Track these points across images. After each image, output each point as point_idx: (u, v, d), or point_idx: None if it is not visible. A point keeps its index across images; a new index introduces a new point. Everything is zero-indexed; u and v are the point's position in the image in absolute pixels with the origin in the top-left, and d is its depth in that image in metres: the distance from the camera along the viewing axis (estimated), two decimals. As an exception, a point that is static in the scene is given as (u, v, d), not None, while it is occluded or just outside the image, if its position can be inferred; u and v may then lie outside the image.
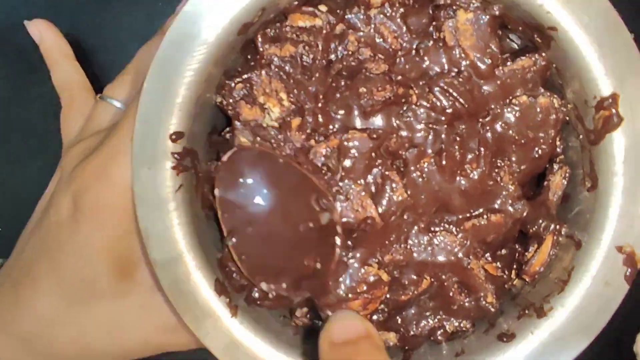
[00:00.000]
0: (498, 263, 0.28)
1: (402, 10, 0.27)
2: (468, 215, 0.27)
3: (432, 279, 0.27)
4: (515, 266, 0.29)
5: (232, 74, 0.27)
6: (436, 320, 0.28)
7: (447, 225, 0.27)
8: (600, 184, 0.26)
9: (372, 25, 0.27)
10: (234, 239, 0.26)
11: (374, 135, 0.26)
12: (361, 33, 0.27)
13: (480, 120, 0.27)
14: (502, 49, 0.27)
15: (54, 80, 0.32)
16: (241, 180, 0.26)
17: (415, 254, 0.27)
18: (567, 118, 0.27)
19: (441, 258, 0.27)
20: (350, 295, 0.26)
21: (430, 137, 0.27)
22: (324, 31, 0.27)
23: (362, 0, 0.27)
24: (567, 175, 0.28)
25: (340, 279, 0.26)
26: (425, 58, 0.27)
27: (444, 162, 0.27)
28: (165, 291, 0.26)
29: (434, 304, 0.28)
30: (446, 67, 0.27)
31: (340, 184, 0.26)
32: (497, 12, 0.26)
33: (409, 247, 0.27)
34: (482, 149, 0.27)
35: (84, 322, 0.28)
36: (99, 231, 0.27)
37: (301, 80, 0.27)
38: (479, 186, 0.27)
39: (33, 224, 0.30)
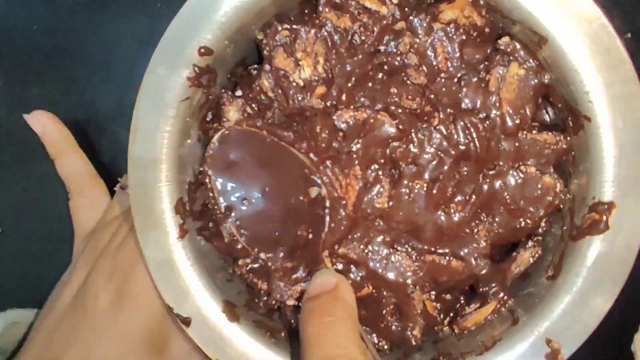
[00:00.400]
0: (438, 304, 0.29)
1: (463, 37, 0.27)
2: (433, 249, 0.28)
3: (374, 290, 0.28)
4: (451, 314, 0.29)
5: (283, 19, 0.27)
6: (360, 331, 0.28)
7: (409, 249, 0.28)
8: (561, 278, 0.26)
9: (431, 38, 0.27)
10: (232, 216, 0.27)
11: (401, 127, 0.26)
12: (417, 39, 0.27)
13: (485, 170, 0.27)
14: (533, 116, 0.27)
15: (59, 170, 0.32)
16: (232, 159, 0.27)
17: (369, 261, 0.27)
18: (561, 206, 0.28)
19: (391, 275, 0.27)
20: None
21: (433, 163, 0.27)
22: (385, 22, 0.27)
23: (432, 11, 0.27)
24: (536, 255, 0.29)
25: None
26: (464, 90, 0.27)
27: (434, 192, 0.27)
28: (129, 187, 0.26)
29: (365, 313, 0.28)
30: (478, 107, 0.27)
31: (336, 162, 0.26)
32: (546, 81, 0.26)
33: (367, 251, 0.27)
34: (474, 196, 0.27)
35: None
36: (138, 311, 0.28)
37: (343, 55, 0.27)
38: (454, 228, 0.28)
39: (61, 311, 0.30)
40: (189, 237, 0.27)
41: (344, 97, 0.27)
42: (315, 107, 0.27)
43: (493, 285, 0.28)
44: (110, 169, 0.34)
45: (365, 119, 0.26)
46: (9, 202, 0.35)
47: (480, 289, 0.28)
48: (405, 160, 0.27)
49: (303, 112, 0.27)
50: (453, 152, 0.27)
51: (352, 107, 0.27)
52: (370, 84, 0.27)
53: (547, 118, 0.28)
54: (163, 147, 0.26)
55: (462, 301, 0.29)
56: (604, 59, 0.24)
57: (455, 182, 0.27)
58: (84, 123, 0.34)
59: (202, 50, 0.26)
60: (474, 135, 0.26)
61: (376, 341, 0.29)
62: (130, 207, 0.26)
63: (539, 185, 0.27)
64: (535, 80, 0.26)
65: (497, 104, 0.27)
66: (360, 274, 0.28)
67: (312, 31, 0.27)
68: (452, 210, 0.27)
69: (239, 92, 0.28)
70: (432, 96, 0.27)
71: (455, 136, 0.27)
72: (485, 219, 0.28)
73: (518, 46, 0.26)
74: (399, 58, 0.27)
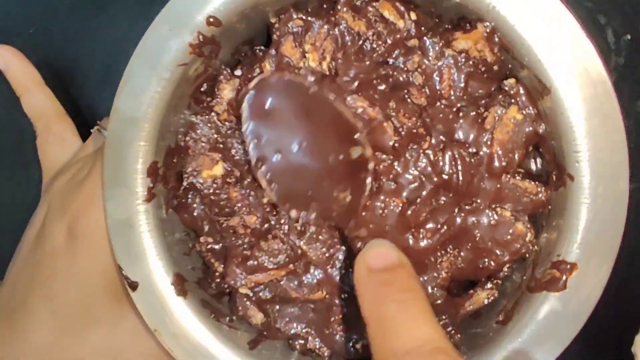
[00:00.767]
0: None
1: (471, 69, 0.27)
2: None
3: (327, 296, 0.28)
4: None
5: (300, 9, 0.27)
6: (304, 331, 0.28)
7: None
8: (510, 325, 0.27)
9: (440, 62, 0.27)
10: (263, 168, 0.25)
11: (397, 145, 0.26)
12: (427, 61, 0.27)
13: (461, 204, 0.27)
14: (521, 162, 0.27)
15: (25, 108, 0.31)
16: (269, 107, 0.25)
17: (328, 266, 0.27)
18: (527, 255, 0.28)
19: (346, 286, 0.27)
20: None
21: (414, 185, 0.27)
22: (399, 35, 0.27)
23: (447, 36, 0.27)
24: (492, 298, 0.29)
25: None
26: (460, 121, 0.27)
27: (408, 213, 0.27)
28: (107, 138, 0.25)
29: (315, 317, 0.28)
30: (470, 141, 0.27)
31: None
32: (541, 131, 0.26)
33: (328, 255, 0.27)
34: (445, 227, 0.27)
35: (79, 351, 0.28)
36: (95, 256, 0.27)
37: (351, 57, 0.27)
38: (419, 254, 0.28)
39: (24, 254, 0.29)
40: (154, 202, 0.26)
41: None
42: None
43: (444, 317, 0.28)
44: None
45: (371, 119, 0.26)
46: (4, 204, 0.34)
47: None
48: (387, 175, 0.27)
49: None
50: (435, 179, 0.27)
51: (368, 99, 0.26)
52: (371, 92, 0.26)
53: (533, 167, 0.29)
54: (150, 107, 0.25)
55: None
56: (600, 123, 0.24)
57: (430, 209, 0.27)
58: (82, 126, 0.33)
59: (211, 19, 0.25)
60: (460, 167, 0.26)
61: (318, 346, 0.28)
62: (104, 156, 0.25)
63: (511, 231, 0.27)
64: (530, 128, 0.27)
65: (489, 143, 0.27)
66: (317, 277, 0.28)
67: (326, 27, 0.27)
68: (421, 236, 0.27)
69: (238, 72, 0.28)
70: (428, 120, 0.27)
71: (441, 164, 0.27)
72: (450, 252, 0.28)
73: (522, 91, 0.26)
74: (404, 75, 0.27)
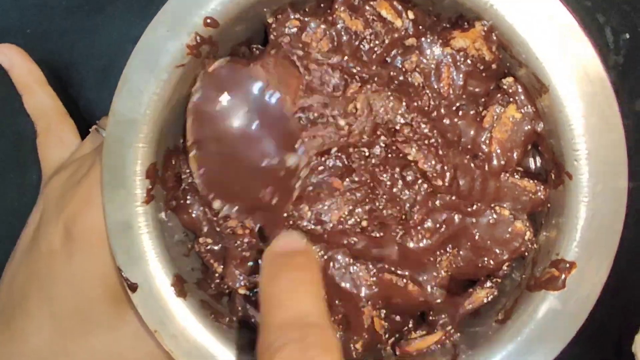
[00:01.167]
0: (386, 323, 0.29)
1: (470, 68, 0.27)
2: (392, 269, 0.28)
3: (325, 296, 0.28)
4: (397, 335, 0.29)
5: (297, 9, 0.27)
6: None
7: (369, 264, 0.27)
8: (509, 324, 0.27)
9: (438, 60, 0.27)
10: (196, 150, 0.25)
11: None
12: (425, 60, 0.27)
13: (461, 206, 0.27)
14: (519, 161, 0.27)
15: (27, 107, 0.31)
16: (222, 94, 0.25)
17: (328, 267, 0.27)
18: (526, 254, 0.28)
19: (346, 285, 0.27)
20: None
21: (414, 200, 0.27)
22: (397, 35, 0.27)
23: (445, 34, 0.27)
24: (491, 297, 0.29)
25: None
26: (460, 121, 0.27)
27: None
28: (104, 141, 0.25)
29: None
30: (469, 142, 0.27)
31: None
32: (539, 129, 0.26)
33: (327, 257, 0.27)
34: (444, 226, 0.27)
35: (79, 354, 0.27)
36: (92, 257, 0.27)
37: (347, 56, 0.27)
38: (418, 254, 0.28)
39: (21, 254, 0.29)
40: (153, 204, 0.26)
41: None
42: None
43: (443, 316, 0.28)
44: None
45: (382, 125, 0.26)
46: (2, 208, 0.34)
47: (430, 318, 0.28)
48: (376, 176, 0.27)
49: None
50: (433, 187, 0.27)
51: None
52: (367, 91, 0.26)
53: (532, 166, 0.29)
54: (148, 108, 0.25)
55: (410, 325, 0.30)
56: (598, 122, 0.24)
57: (426, 210, 0.27)
58: (80, 126, 0.33)
59: (208, 20, 0.25)
60: (462, 178, 0.26)
61: None
62: (102, 158, 0.25)
63: (510, 229, 0.27)
64: (529, 127, 0.26)
65: (488, 142, 0.27)
66: None
67: (322, 26, 0.27)
68: (420, 237, 0.27)
69: (212, 67, 0.28)
70: (431, 122, 0.27)
71: (442, 175, 0.27)
72: (450, 251, 0.28)
73: (520, 89, 0.26)
74: (403, 75, 0.27)
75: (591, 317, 0.25)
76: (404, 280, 0.28)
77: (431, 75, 0.27)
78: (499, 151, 0.27)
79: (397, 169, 0.27)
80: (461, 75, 0.27)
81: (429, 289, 0.28)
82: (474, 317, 0.29)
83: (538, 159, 0.28)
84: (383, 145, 0.27)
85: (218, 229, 0.28)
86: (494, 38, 0.26)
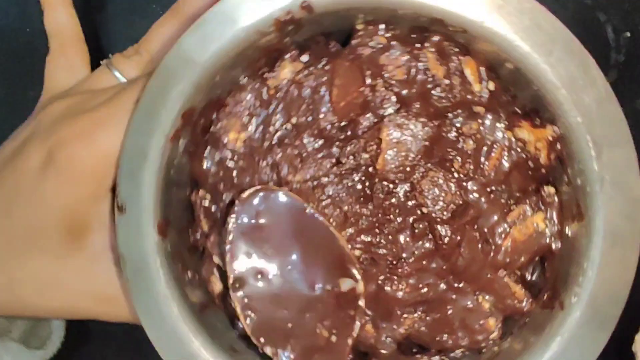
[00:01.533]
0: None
1: (521, 161, 0.26)
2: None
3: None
4: None
5: (389, 28, 0.26)
6: None
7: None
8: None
9: (496, 139, 0.27)
10: (240, 291, 0.23)
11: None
12: (484, 132, 0.27)
13: (450, 279, 0.27)
14: (522, 267, 0.27)
15: (45, 23, 0.30)
16: (258, 223, 0.24)
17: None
18: (484, 351, 0.28)
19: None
20: None
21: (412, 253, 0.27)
22: (470, 97, 0.26)
23: (513, 120, 0.26)
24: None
25: None
26: (488, 204, 0.27)
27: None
28: (157, 68, 0.25)
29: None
30: (487, 226, 0.27)
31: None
32: (554, 248, 0.26)
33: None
34: (426, 289, 0.28)
35: (18, 273, 0.27)
36: (65, 187, 0.26)
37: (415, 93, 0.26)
38: (390, 301, 0.28)
39: None
40: (175, 144, 0.26)
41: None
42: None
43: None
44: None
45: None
46: None
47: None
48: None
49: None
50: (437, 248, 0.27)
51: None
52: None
53: (528, 277, 0.28)
54: (212, 57, 0.25)
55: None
56: (611, 270, 0.24)
57: (420, 267, 0.27)
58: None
59: (305, 4, 0.25)
60: (466, 250, 0.26)
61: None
62: (149, 79, 0.25)
63: (481, 322, 0.27)
64: (547, 241, 0.26)
65: (503, 235, 0.27)
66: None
67: (406, 57, 0.26)
68: (400, 287, 0.28)
69: (305, 58, 0.27)
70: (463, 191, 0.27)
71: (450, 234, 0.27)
72: (418, 314, 0.28)
73: (556, 203, 0.26)
74: (455, 134, 0.27)
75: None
76: (366, 319, 0.28)
77: (483, 148, 0.27)
78: (509, 249, 0.27)
79: (411, 218, 0.27)
80: (510, 163, 0.27)
81: (383, 337, 0.28)
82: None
83: (541, 275, 0.28)
84: (409, 189, 0.27)
85: (219, 193, 0.28)
86: (558, 148, 0.25)
